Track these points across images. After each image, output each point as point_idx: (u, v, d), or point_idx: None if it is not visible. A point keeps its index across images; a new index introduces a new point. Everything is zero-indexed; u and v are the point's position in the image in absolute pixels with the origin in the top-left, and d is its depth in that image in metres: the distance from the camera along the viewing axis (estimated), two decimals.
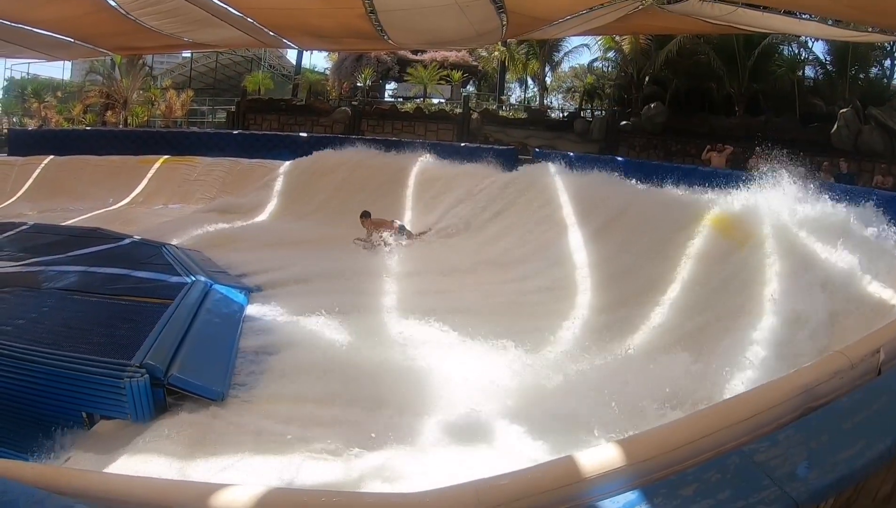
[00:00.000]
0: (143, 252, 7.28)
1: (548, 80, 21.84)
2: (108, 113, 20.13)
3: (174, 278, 6.16)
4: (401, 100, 21.08)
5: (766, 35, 13.80)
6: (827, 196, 5.46)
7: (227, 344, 4.93)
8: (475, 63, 22.51)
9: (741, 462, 1.48)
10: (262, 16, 8.76)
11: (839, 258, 4.49)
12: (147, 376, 3.78)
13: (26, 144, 14.15)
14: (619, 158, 11.87)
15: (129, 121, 19.77)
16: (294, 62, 24.65)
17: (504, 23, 8.28)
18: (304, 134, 15.46)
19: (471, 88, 22.96)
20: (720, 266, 5.47)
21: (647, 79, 17.32)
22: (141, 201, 12.80)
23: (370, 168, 11.94)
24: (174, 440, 3.49)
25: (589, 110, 19.67)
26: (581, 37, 18.69)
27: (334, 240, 9.27)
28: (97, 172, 13.33)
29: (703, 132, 14.93)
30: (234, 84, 24.38)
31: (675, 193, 7.62)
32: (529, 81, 23.49)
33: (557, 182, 9.51)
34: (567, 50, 20.58)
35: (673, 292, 5.69)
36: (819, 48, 15.67)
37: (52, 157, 13.47)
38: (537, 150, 13.39)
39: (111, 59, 19.36)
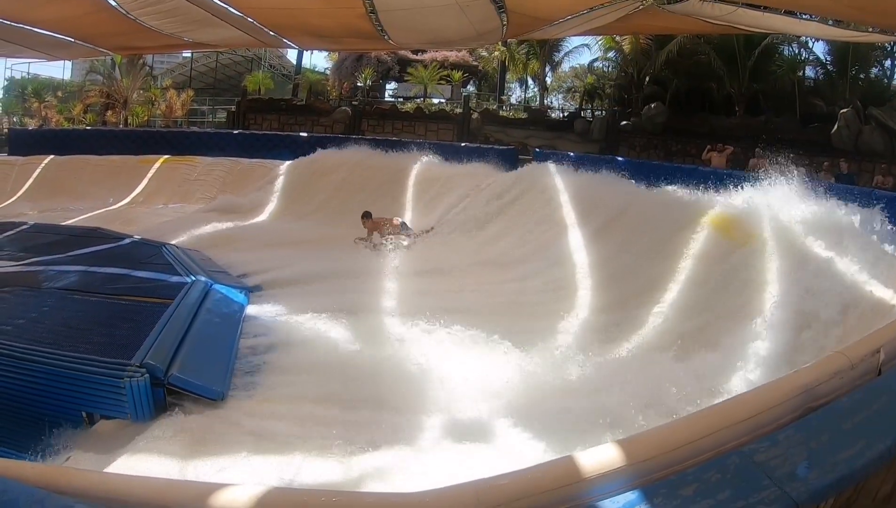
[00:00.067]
0: (143, 252, 7.28)
1: (548, 80, 21.86)
2: (109, 113, 20.14)
3: (174, 278, 6.16)
4: (401, 100, 21.08)
5: (767, 35, 13.80)
6: (827, 196, 5.46)
7: (228, 344, 4.93)
8: (475, 63, 22.52)
9: (741, 462, 1.48)
10: (263, 15, 8.76)
11: (839, 259, 4.49)
12: (147, 375, 3.78)
13: (26, 143, 14.14)
14: (620, 159, 11.87)
15: (129, 121, 19.78)
16: (294, 62, 24.69)
17: (504, 23, 8.27)
18: (305, 134, 15.46)
19: (471, 88, 22.97)
20: (720, 266, 5.47)
21: (647, 79, 17.32)
22: (141, 200, 12.80)
23: (370, 168, 11.95)
24: (174, 439, 3.49)
25: (589, 110, 19.67)
26: (581, 37, 18.74)
27: (334, 240, 9.27)
28: (97, 171, 13.33)
29: (703, 132, 14.93)
30: (234, 84, 24.40)
31: (676, 193, 7.61)
32: (530, 81, 23.54)
33: (557, 182, 9.51)
34: (567, 50, 20.64)
35: (673, 292, 5.69)
36: (819, 48, 15.71)
37: (52, 156, 13.46)
38: (537, 150, 13.39)
39: (111, 59, 19.36)
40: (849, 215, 5.06)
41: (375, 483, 3.06)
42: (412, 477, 3.02)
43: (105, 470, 3.02)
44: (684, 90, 16.47)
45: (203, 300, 5.51)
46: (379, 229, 9.18)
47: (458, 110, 18.52)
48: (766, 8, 7.34)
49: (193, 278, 6.13)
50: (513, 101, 23.61)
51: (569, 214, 8.64)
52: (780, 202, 5.54)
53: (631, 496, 1.40)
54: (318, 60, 26.55)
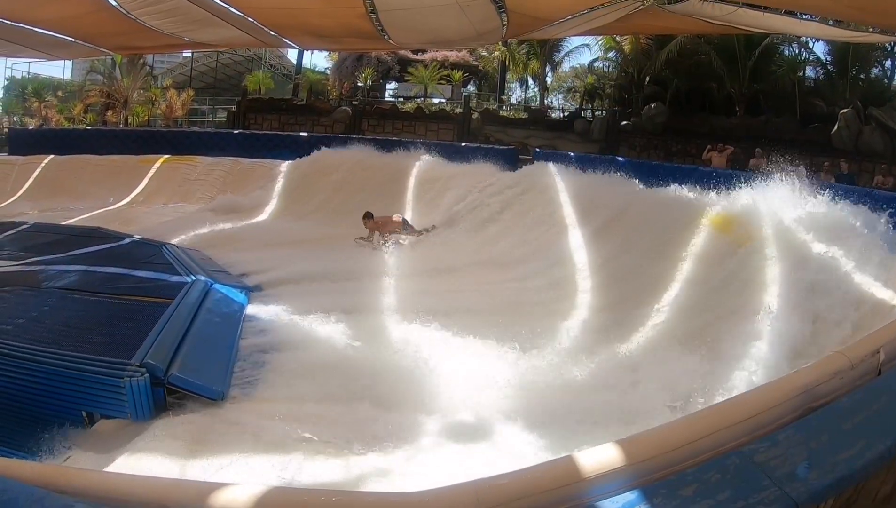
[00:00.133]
0: (143, 252, 7.28)
1: (548, 80, 21.84)
2: (109, 112, 20.14)
3: (174, 278, 6.16)
4: (401, 100, 21.07)
5: (767, 35, 13.80)
6: (827, 196, 5.45)
7: (228, 344, 4.93)
8: (476, 63, 22.52)
9: (741, 463, 1.48)
10: (263, 15, 8.76)
11: (839, 258, 4.50)
12: (147, 375, 3.78)
13: (27, 143, 14.15)
14: (620, 159, 11.85)
15: (129, 120, 19.79)
16: (294, 62, 24.69)
17: (504, 22, 8.27)
18: (305, 134, 15.45)
19: (471, 88, 22.96)
20: (721, 266, 5.47)
21: (647, 79, 17.32)
22: (141, 200, 12.80)
23: (370, 168, 11.95)
24: (174, 439, 3.48)
25: (589, 110, 19.67)
26: (582, 37, 18.72)
27: (335, 240, 9.28)
28: (98, 171, 13.33)
29: (703, 132, 14.93)
30: (234, 84, 24.40)
31: (676, 193, 7.61)
32: (530, 81, 23.51)
33: (558, 182, 9.52)
34: (567, 50, 20.60)
35: (673, 292, 5.69)
36: (820, 48, 15.70)
37: (52, 156, 13.47)
38: (538, 150, 13.37)
39: (112, 59, 19.36)
40: (849, 215, 5.06)
41: (375, 482, 3.06)
42: (412, 477, 3.02)
43: (105, 470, 3.02)
44: (684, 90, 16.47)
45: (203, 300, 5.52)
46: (381, 228, 9.17)
47: (459, 110, 18.51)
48: (766, 8, 7.34)
49: (193, 278, 6.13)
50: (513, 101, 23.61)
51: (569, 213, 8.64)
52: (780, 202, 5.55)
53: (631, 496, 1.40)
54: (319, 60, 26.58)
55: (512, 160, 11.58)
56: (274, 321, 5.67)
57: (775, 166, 6.26)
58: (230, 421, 3.81)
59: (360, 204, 9.89)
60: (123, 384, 3.68)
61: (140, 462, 3.20)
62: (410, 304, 6.22)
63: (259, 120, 19.40)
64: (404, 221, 9.42)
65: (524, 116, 18.90)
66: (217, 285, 6.18)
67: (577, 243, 7.84)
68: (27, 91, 22.26)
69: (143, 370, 3.80)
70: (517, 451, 3.34)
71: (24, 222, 8.88)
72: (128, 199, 12.73)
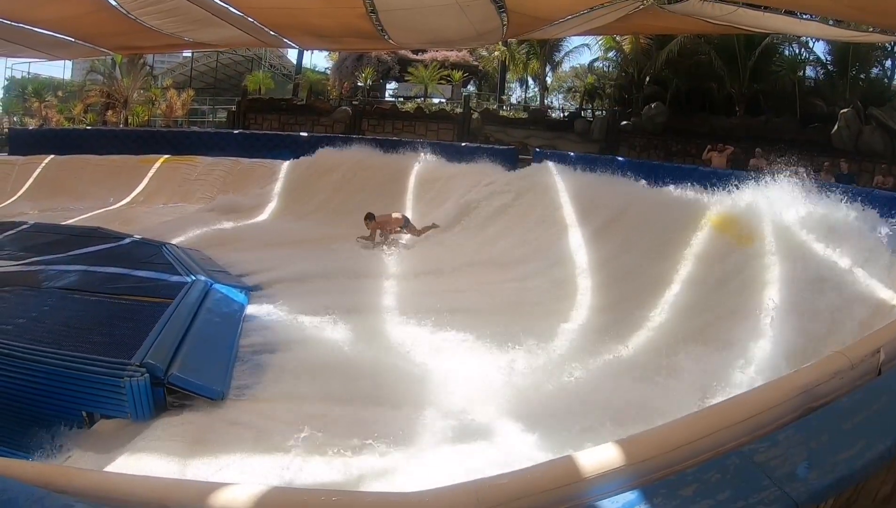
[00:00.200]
0: (143, 252, 7.28)
1: (548, 80, 21.85)
2: (109, 112, 20.15)
3: (174, 278, 6.16)
4: (401, 99, 21.09)
5: (767, 35, 13.80)
6: (827, 196, 5.45)
7: (228, 343, 4.93)
8: (476, 63, 22.53)
9: (741, 463, 1.48)
10: (263, 15, 8.76)
11: (840, 258, 4.49)
12: (147, 375, 3.78)
13: (27, 143, 14.15)
14: (620, 158, 11.86)
15: (129, 120, 19.79)
16: (294, 62, 24.71)
17: (504, 22, 8.27)
18: (305, 134, 15.45)
19: (471, 88, 22.97)
20: (721, 266, 5.47)
21: (647, 79, 17.33)
22: (141, 200, 12.80)
23: (370, 168, 11.96)
24: (174, 439, 3.49)
25: (589, 110, 19.68)
26: (582, 37, 18.74)
27: (335, 239, 9.28)
28: (98, 171, 13.33)
29: (703, 132, 14.93)
30: (234, 84, 24.41)
31: (676, 193, 7.61)
32: (530, 81, 23.54)
33: (558, 182, 9.52)
34: (568, 50, 20.63)
35: (673, 292, 5.70)
36: (820, 48, 15.70)
37: (52, 156, 13.47)
38: (538, 150, 13.37)
39: (112, 59, 19.37)
40: (849, 216, 5.06)
41: (375, 482, 3.06)
42: (412, 477, 3.02)
43: (105, 469, 3.02)
44: (684, 90, 16.47)
45: (203, 300, 5.51)
46: (382, 226, 9.17)
47: (459, 110, 18.53)
48: (766, 8, 7.34)
49: (193, 278, 6.13)
50: (513, 101, 23.63)
51: (569, 213, 8.64)
52: (780, 202, 5.55)
53: (630, 496, 1.39)
54: (319, 60, 26.61)
55: (512, 160, 11.59)
56: (274, 321, 5.66)
57: (775, 166, 6.26)
58: (230, 421, 3.80)
59: (360, 204, 9.89)
60: (123, 384, 3.68)
61: (140, 462, 3.20)
62: (410, 304, 6.22)
63: (259, 120, 19.41)
64: (405, 218, 9.42)
65: (524, 116, 18.91)
66: (217, 285, 6.17)
67: (577, 243, 7.84)
68: (27, 91, 22.26)
69: (143, 370, 3.80)
70: (517, 451, 3.34)
71: (24, 222, 8.88)
72: (128, 199, 12.73)
